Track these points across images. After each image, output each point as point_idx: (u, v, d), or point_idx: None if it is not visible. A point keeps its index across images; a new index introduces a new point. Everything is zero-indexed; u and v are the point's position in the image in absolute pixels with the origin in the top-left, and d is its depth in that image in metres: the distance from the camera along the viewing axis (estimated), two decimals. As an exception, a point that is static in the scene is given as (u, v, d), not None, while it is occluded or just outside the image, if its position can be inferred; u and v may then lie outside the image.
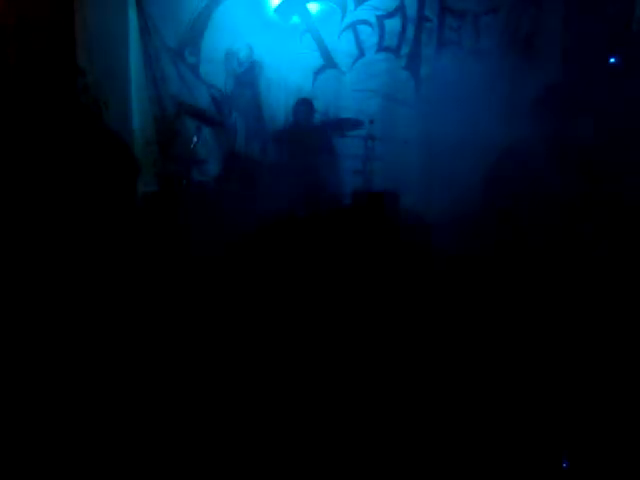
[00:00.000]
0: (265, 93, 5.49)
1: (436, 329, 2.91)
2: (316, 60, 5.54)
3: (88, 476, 2.01)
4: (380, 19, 5.48)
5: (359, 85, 5.53)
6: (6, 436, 2.12)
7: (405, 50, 5.52)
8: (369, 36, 5.51)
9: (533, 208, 3.65)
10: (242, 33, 5.39)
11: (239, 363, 2.62)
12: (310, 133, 5.04)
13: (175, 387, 2.44)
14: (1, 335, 2.65)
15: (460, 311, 3.05)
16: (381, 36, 5.51)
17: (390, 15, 5.47)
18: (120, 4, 5.32)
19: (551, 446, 2.16)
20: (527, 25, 5.30)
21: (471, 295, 3.20)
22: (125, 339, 2.75)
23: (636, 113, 3.63)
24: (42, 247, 3.29)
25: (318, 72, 5.55)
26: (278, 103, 5.46)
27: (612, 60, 4.43)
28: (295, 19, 5.51)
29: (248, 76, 5.43)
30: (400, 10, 5.45)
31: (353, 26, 5.52)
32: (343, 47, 5.54)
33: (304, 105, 5.18)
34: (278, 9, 5.48)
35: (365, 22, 5.50)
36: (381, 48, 5.53)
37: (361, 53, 5.54)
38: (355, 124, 5.12)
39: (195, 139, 4.88)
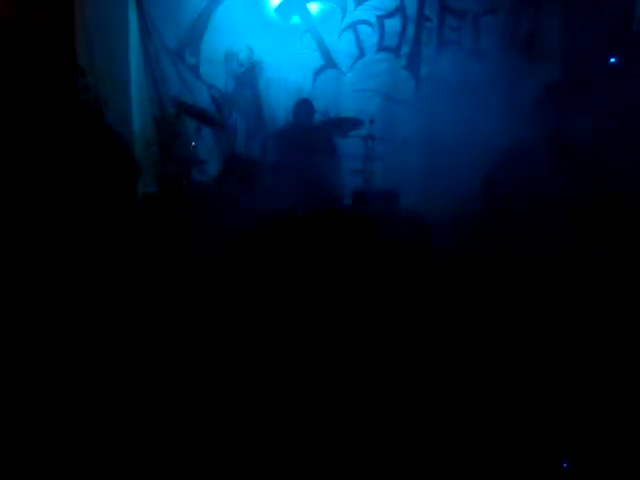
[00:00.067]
0: (265, 93, 5.49)
1: (436, 329, 2.92)
2: (316, 60, 5.53)
3: (88, 476, 2.01)
4: (380, 19, 5.48)
5: (359, 85, 5.53)
6: (6, 436, 2.12)
7: (405, 50, 5.52)
8: (369, 36, 5.51)
9: (533, 208, 3.65)
10: (242, 33, 5.38)
11: (239, 363, 2.62)
12: (310, 133, 5.04)
13: (175, 387, 2.45)
14: (1, 335, 2.65)
15: (460, 311, 3.05)
16: (381, 36, 5.51)
17: (390, 15, 5.47)
18: (120, 4, 5.30)
19: (551, 446, 2.16)
20: (527, 25, 5.31)
21: (471, 295, 3.20)
22: (125, 340, 2.76)
23: (636, 113, 3.63)
24: (42, 247, 3.29)
25: (318, 72, 5.55)
26: (278, 103, 5.46)
27: (612, 60, 4.43)
28: (295, 19, 5.51)
29: (248, 76, 5.43)
30: (400, 10, 5.46)
31: (353, 26, 5.52)
32: (343, 47, 5.54)
33: (304, 105, 5.17)
34: (278, 9, 5.48)
35: (365, 22, 5.51)
36: (381, 48, 5.53)
37: (361, 53, 5.54)
38: (355, 124, 5.12)
39: (195, 140, 4.88)
